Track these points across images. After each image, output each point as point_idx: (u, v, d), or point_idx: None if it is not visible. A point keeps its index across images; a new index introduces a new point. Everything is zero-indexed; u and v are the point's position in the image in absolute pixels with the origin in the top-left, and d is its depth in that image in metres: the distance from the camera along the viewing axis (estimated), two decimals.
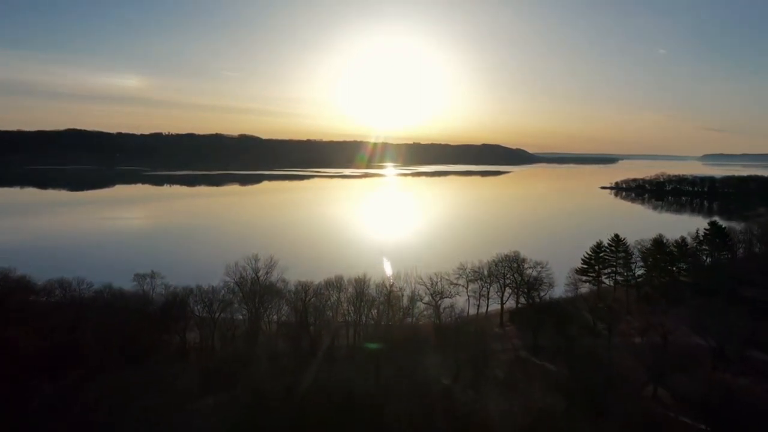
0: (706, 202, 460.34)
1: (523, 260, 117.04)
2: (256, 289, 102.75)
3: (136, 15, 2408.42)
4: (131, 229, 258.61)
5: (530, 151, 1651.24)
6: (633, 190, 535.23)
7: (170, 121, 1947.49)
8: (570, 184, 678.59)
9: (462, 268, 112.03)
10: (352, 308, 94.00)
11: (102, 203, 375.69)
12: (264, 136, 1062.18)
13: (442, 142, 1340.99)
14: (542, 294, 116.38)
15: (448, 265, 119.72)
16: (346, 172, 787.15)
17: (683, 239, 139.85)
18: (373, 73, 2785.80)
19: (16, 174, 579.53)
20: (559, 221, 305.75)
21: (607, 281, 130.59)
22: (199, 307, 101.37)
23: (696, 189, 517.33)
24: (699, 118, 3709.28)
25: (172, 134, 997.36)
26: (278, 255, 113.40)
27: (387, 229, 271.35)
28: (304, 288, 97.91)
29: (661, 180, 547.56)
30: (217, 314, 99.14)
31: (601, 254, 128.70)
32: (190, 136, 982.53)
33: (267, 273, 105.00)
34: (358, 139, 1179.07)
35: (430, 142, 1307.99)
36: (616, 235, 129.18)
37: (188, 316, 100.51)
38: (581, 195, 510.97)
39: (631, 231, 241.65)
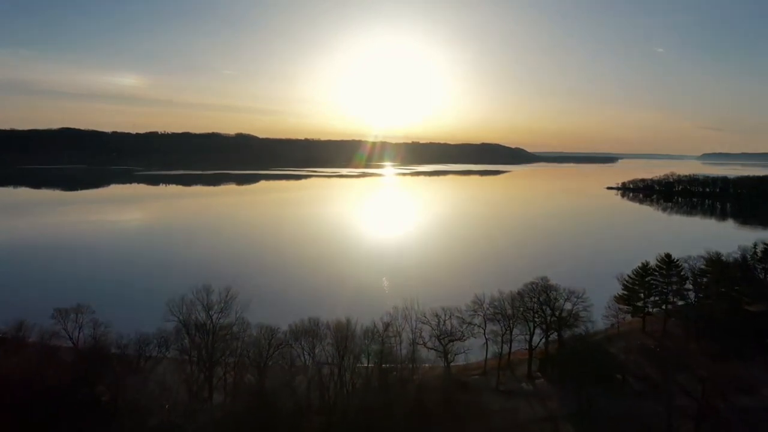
0: (718, 204, 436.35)
1: (554, 289, 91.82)
2: (208, 332, 77.84)
3: (135, 13, 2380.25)
4: (64, 244, 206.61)
5: (529, 150, 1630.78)
6: (641, 191, 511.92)
7: (167, 119, 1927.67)
8: (574, 185, 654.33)
9: (478, 302, 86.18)
10: (330, 368, 68.78)
11: (75, 204, 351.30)
12: (261, 135, 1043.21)
13: (441, 142, 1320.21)
14: (578, 331, 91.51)
15: (456, 293, 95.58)
16: (344, 171, 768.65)
17: (744, 257, 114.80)
18: (372, 73, 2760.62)
19: (3, 174, 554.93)
20: (576, 230, 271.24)
21: (653, 310, 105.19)
22: (133, 353, 77.59)
23: (707, 189, 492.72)
24: (698, 117, 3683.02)
25: (167, 133, 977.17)
26: (245, 281, 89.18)
27: (381, 243, 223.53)
28: (266, 336, 73.01)
29: (670, 180, 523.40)
30: (156, 365, 74.72)
31: (648, 278, 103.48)
32: (186, 135, 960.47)
33: (222, 311, 79.76)
34: (357, 139, 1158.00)
35: (428, 142, 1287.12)
36: (668, 256, 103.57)
37: (118, 367, 76.01)
38: (590, 197, 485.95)
39: (663, 242, 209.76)
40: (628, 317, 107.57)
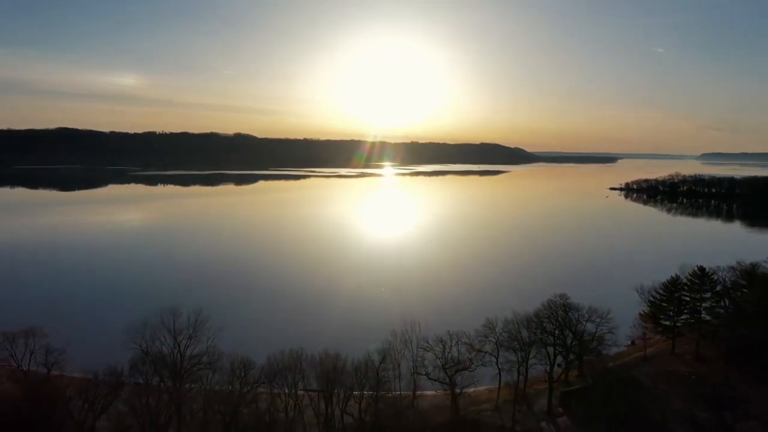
0: (724, 205, 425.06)
1: (575, 308, 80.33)
2: (175, 362, 66.51)
3: (135, 13, 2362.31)
4: (19, 255, 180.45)
5: (529, 150, 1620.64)
6: (644, 191, 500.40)
7: (166, 119, 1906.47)
8: (576, 185, 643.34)
9: (489, 327, 74.54)
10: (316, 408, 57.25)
11: (62, 205, 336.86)
12: (260, 135, 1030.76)
13: (441, 142, 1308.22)
14: (602, 355, 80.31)
15: (463, 312, 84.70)
16: (343, 171, 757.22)
17: None
18: (372, 73, 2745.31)
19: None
20: (587, 236, 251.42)
21: (680, 326, 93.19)
22: (90, 384, 66.16)
23: (712, 190, 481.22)
24: (697, 117, 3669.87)
25: (165, 133, 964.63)
26: (221, 300, 77.60)
27: (377, 253, 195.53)
28: (240, 370, 61.61)
29: (675, 181, 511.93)
30: (115, 399, 63.26)
31: (677, 293, 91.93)
32: (185, 135, 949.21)
33: (191, 338, 68.30)
34: (356, 139, 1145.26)
35: (428, 142, 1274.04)
36: (701, 269, 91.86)
37: (71, 400, 64.77)
38: (594, 197, 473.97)
39: (685, 250, 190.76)
40: (654, 335, 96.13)
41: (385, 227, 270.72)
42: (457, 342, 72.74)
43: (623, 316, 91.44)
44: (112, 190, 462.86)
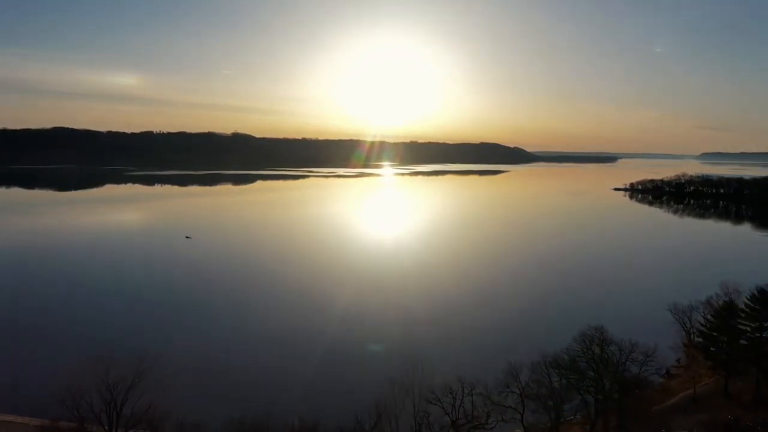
0: (733, 206, 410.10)
1: (614, 344, 65.28)
2: (111, 422, 51.30)
3: (134, 12, 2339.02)
4: None
5: (528, 149, 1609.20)
6: (650, 192, 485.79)
7: (163, 119, 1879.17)
8: (579, 186, 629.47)
9: (512, 374, 59.15)
10: None
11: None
12: (258, 135, 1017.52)
13: (440, 141, 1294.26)
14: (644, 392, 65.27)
15: (476, 351, 69.04)
16: (341, 171, 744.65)
17: None
18: (371, 72, 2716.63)
19: None
20: (604, 245, 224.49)
21: (742, 366, 77.95)
22: None
23: (720, 191, 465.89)
24: (696, 116, 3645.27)
25: (163, 132, 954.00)
26: (172, 340, 62.32)
27: (370, 272, 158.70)
28: None
29: (681, 181, 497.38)
30: None
31: (732, 321, 76.83)
32: (182, 135, 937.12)
33: (128, 396, 53.03)
34: (355, 138, 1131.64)
35: (427, 141, 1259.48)
36: (762, 292, 76.46)
37: None
38: (598, 198, 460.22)
39: (718, 260, 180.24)
40: (701, 369, 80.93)
41: (381, 236, 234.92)
42: (470, 392, 57.63)
43: (656, 338, 76.35)
44: (107, 190, 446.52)
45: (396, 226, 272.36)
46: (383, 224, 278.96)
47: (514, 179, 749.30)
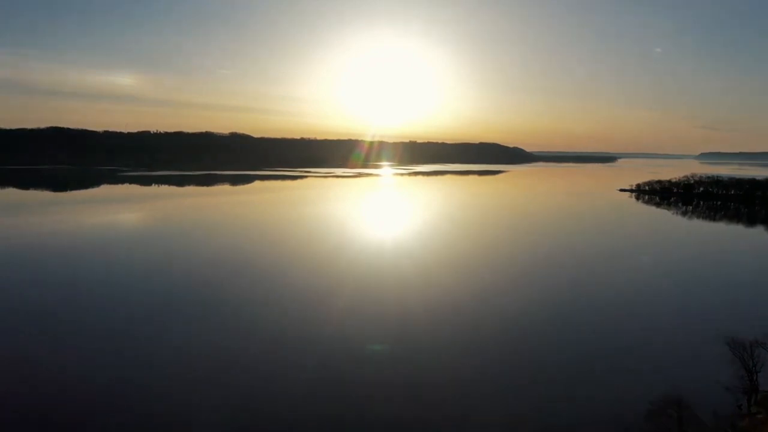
0: (744, 208, 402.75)
1: (696, 422, 57.65)
2: None
3: (132, 12, 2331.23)
4: None
5: (528, 149, 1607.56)
6: (657, 193, 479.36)
7: (160, 119, 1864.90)
8: (583, 187, 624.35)
9: None
10: None
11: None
12: (256, 135, 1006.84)
13: (439, 141, 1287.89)
14: None
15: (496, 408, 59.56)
16: (340, 171, 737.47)
17: None
18: (369, 72, 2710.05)
19: None
20: (635, 261, 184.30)
21: None
22: None
23: (730, 192, 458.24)
24: (696, 116, 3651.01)
25: (159, 132, 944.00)
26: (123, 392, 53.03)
27: (372, 271, 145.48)
28: None
29: (691, 182, 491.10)
30: None
31: None
32: (179, 135, 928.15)
33: None
34: (354, 138, 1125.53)
35: (426, 141, 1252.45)
36: None
37: None
38: (609, 200, 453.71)
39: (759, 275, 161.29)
40: None
41: (381, 237, 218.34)
42: None
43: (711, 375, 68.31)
44: (103, 190, 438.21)
45: (396, 226, 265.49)
46: (383, 224, 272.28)
47: (516, 179, 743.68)
